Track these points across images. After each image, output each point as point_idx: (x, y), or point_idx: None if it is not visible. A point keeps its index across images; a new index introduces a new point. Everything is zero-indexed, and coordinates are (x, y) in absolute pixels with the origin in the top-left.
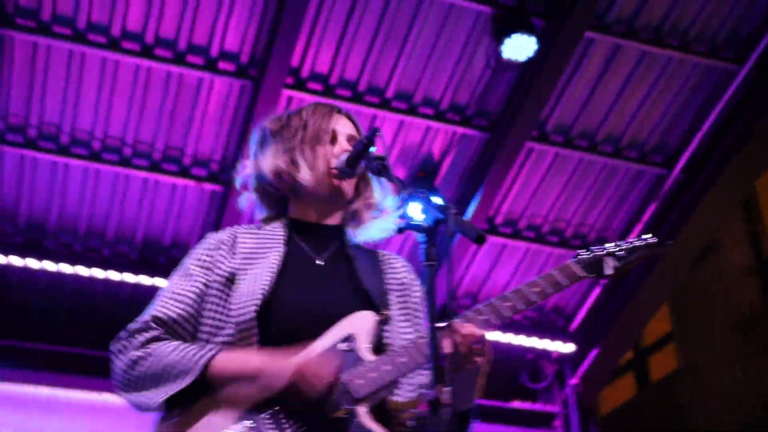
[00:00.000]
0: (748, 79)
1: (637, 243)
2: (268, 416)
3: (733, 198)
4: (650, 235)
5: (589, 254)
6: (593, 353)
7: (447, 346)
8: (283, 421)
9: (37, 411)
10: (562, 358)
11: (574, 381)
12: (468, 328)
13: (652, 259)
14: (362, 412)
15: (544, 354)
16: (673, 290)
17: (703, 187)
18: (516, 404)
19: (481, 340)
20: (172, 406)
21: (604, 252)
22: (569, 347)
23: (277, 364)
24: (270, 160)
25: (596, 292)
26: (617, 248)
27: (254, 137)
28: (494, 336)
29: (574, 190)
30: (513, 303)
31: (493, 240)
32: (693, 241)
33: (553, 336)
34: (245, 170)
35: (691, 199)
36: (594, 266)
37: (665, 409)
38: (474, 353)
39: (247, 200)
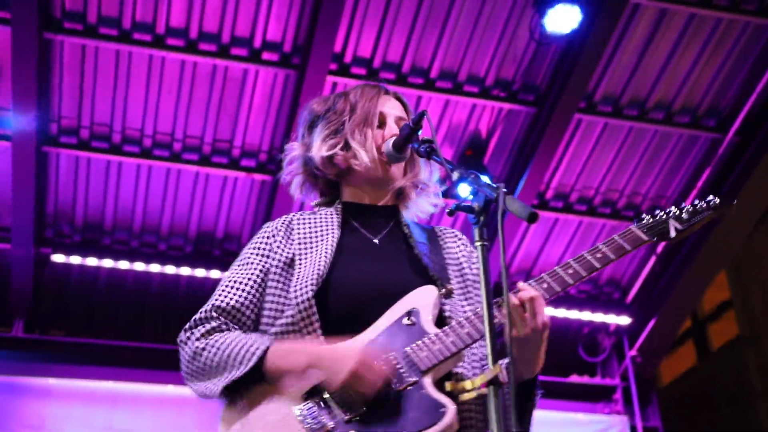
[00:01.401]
0: None
1: (701, 205)
2: (323, 401)
3: None
4: (713, 197)
5: (651, 218)
6: (651, 324)
7: (502, 314)
8: (338, 405)
9: (103, 405)
10: (620, 330)
11: (632, 353)
12: (526, 293)
13: (715, 221)
14: (427, 383)
15: (602, 327)
16: (730, 256)
17: (760, 148)
18: (574, 379)
19: (539, 302)
20: (233, 393)
21: (668, 215)
22: (626, 319)
23: (335, 361)
24: (319, 144)
25: (651, 261)
26: (681, 211)
27: (301, 119)
28: (550, 311)
29: (626, 160)
30: (575, 270)
31: (544, 215)
32: (751, 205)
33: (610, 309)
34: (292, 152)
35: (748, 162)
36: (657, 229)
37: (728, 377)
38: (532, 317)
39: (291, 179)
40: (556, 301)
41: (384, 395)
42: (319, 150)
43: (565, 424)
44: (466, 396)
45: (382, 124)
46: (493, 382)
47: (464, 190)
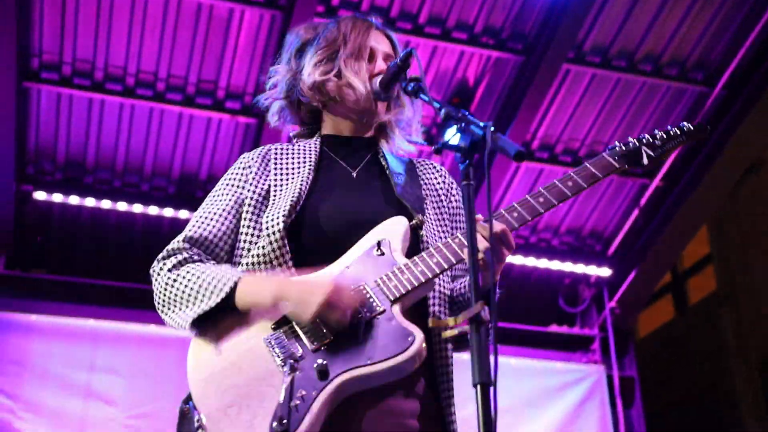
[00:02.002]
0: None
1: (674, 130)
2: (292, 330)
3: None
4: (687, 123)
5: (623, 145)
6: (631, 277)
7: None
8: (306, 335)
9: (85, 343)
10: (600, 282)
11: (611, 304)
12: (496, 228)
13: (692, 142)
14: (396, 312)
15: (582, 278)
16: (712, 213)
17: (746, 104)
18: (554, 329)
19: (507, 236)
20: (203, 324)
21: (640, 141)
22: (607, 271)
23: (304, 292)
24: (311, 69)
25: (634, 215)
26: (653, 138)
27: (288, 43)
28: (531, 262)
29: (613, 112)
30: (546, 198)
31: (529, 166)
32: (735, 162)
33: (591, 260)
34: (277, 75)
35: (734, 117)
36: (630, 156)
37: (704, 332)
38: (501, 248)
39: (270, 103)
40: (537, 251)
41: (353, 324)
42: (312, 74)
43: (543, 372)
44: (447, 333)
45: (371, 58)
46: (475, 319)
47: (451, 129)
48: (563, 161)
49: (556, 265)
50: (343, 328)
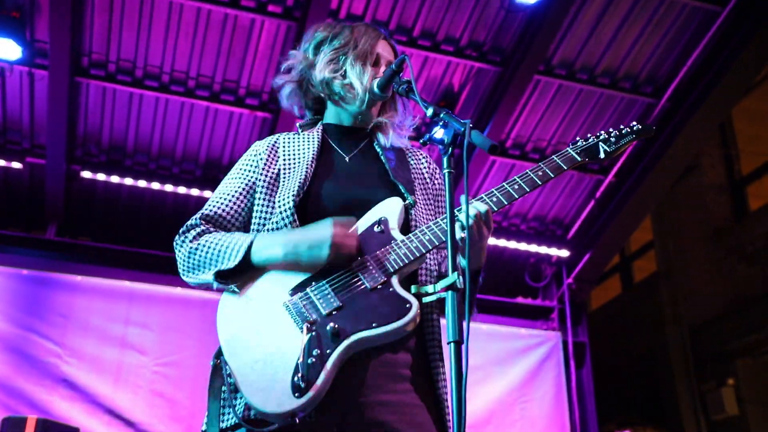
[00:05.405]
0: (729, 19)
1: (626, 129)
2: (307, 297)
3: (711, 124)
4: (636, 123)
5: (584, 141)
6: (586, 257)
7: (460, 230)
8: (319, 297)
9: (122, 301)
10: (560, 261)
11: (569, 281)
12: (477, 210)
13: (641, 141)
14: (395, 282)
15: (545, 258)
16: (655, 205)
17: (686, 115)
18: (519, 300)
19: (488, 217)
20: (227, 281)
21: (598, 138)
22: (566, 252)
23: (311, 244)
24: (323, 66)
25: (590, 205)
26: (609, 135)
27: (308, 36)
28: (502, 243)
29: (575, 118)
30: (520, 185)
31: (503, 161)
32: (675, 162)
33: (553, 243)
34: (295, 60)
35: (675, 126)
36: (589, 151)
37: (645, 305)
38: (483, 228)
39: (283, 84)
40: (507, 234)
41: (358, 293)
42: (322, 71)
43: (510, 336)
44: (428, 298)
45: (376, 63)
46: (451, 287)
47: (437, 127)
48: (532, 158)
49: (523, 246)
50: (352, 258)
